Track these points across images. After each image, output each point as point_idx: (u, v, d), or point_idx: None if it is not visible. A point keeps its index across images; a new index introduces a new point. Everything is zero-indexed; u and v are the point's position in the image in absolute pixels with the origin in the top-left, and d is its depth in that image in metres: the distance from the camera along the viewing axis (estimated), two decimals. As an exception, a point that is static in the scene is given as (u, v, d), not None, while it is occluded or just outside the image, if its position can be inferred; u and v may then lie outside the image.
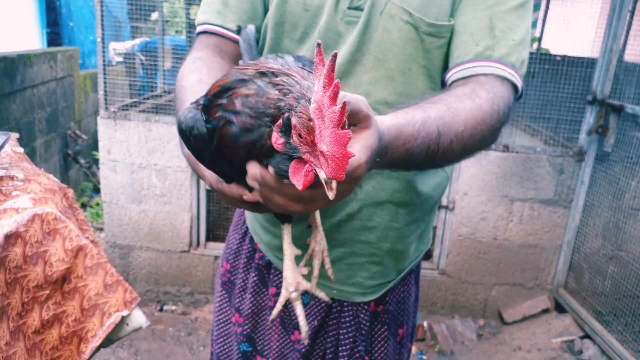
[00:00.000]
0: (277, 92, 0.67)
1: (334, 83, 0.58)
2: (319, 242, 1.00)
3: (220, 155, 0.74)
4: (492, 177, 3.25)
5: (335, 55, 0.57)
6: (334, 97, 0.58)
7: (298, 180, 0.64)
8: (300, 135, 0.61)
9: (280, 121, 0.64)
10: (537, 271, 3.45)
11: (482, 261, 3.42)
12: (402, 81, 1.07)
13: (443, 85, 1.08)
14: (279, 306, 0.93)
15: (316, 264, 0.99)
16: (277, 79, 0.68)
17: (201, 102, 0.77)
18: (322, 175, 0.61)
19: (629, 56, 3.10)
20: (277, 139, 0.65)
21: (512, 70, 0.99)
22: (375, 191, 1.14)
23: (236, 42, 1.13)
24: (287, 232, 0.96)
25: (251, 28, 1.10)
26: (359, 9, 1.05)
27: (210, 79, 0.97)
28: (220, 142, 0.72)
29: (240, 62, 1.15)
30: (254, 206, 0.84)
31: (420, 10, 1.02)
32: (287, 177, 0.65)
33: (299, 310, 0.92)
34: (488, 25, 1.00)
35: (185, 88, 1.00)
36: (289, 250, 0.96)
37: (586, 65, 3.17)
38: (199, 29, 1.16)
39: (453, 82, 1.02)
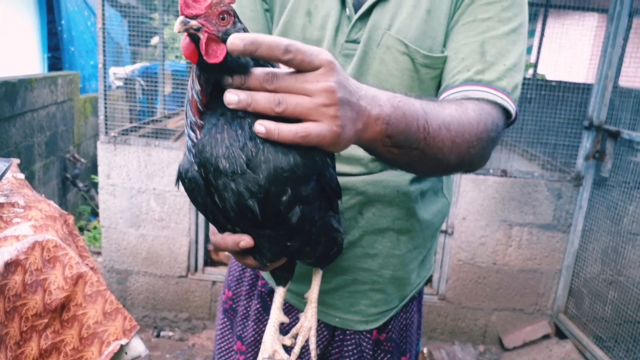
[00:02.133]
0: None
1: None
2: (309, 318, 0.94)
3: (210, 195, 0.74)
4: (490, 201, 3.25)
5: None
6: None
7: (210, 55, 0.66)
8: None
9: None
10: (537, 296, 3.44)
11: (482, 286, 3.40)
12: None
13: None
14: None
15: (299, 340, 0.93)
16: None
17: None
18: (193, 25, 0.64)
19: (624, 82, 3.15)
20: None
21: (503, 94, 1.00)
22: (376, 218, 1.15)
23: None
24: (279, 296, 0.93)
25: None
26: (356, 41, 1.07)
27: None
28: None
29: None
30: (248, 256, 0.83)
31: (416, 42, 1.04)
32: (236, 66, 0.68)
33: None
34: (479, 50, 1.01)
35: None
36: (276, 315, 0.92)
37: (582, 90, 3.22)
38: None
39: None
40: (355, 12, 1.06)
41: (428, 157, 0.86)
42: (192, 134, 0.72)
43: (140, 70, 4.36)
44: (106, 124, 3.25)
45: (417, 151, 0.83)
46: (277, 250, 0.81)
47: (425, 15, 1.04)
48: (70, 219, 1.57)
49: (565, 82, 3.29)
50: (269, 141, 0.68)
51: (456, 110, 0.90)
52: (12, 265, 1.18)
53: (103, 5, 3.12)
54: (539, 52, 3.96)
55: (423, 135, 0.81)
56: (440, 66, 1.06)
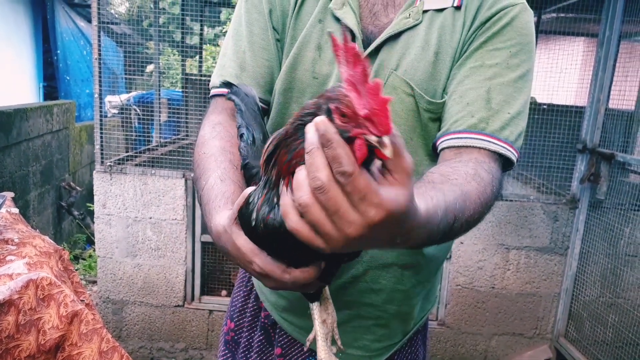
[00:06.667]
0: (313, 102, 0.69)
1: (354, 54, 0.59)
2: (330, 314, 0.98)
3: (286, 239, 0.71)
4: (487, 225, 3.25)
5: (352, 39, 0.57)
6: (354, 62, 0.59)
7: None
8: (343, 115, 0.61)
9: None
10: (537, 320, 3.41)
11: (481, 311, 3.38)
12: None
13: (433, 148, 1.10)
14: None
15: (326, 333, 0.97)
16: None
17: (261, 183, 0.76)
18: (373, 139, 0.59)
19: (613, 104, 3.17)
20: None
21: (506, 144, 1.00)
22: (380, 253, 1.14)
23: None
24: (317, 311, 0.95)
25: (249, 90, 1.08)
26: None
27: (233, 146, 0.97)
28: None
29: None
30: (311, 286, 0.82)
31: (422, 85, 1.04)
32: None
33: None
34: (485, 97, 1.01)
35: (208, 156, 0.97)
36: (321, 330, 0.94)
37: (573, 113, 3.24)
38: (214, 91, 1.15)
39: (444, 148, 1.03)
40: (365, 49, 1.06)
41: (435, 242, 0.86)
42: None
43: (136, 98, 4.38)
44: (102, 154, 3.25)
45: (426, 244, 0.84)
46: (337, 270, 0.85)
47: (433, 57, 1.04)
48: (65, 254, 1.55)
49: (556, 105, 3.32)
50: None
51: (477, 194, 0.88)
52: (4, 305, 1.16)
53: (99, 37, 3.14)
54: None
55: (443, 236, 0.81)
56: (440, 111, 1.06)
